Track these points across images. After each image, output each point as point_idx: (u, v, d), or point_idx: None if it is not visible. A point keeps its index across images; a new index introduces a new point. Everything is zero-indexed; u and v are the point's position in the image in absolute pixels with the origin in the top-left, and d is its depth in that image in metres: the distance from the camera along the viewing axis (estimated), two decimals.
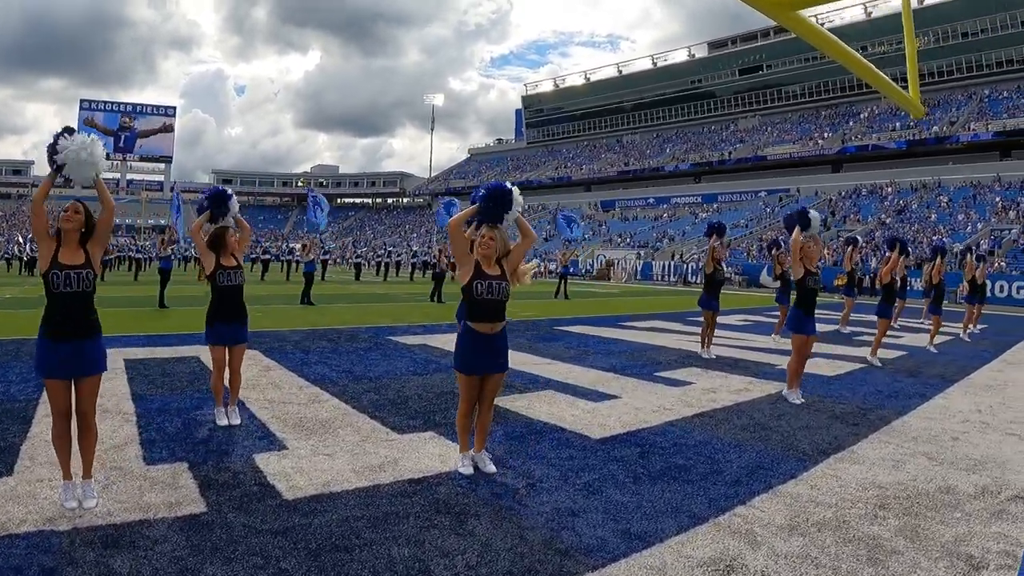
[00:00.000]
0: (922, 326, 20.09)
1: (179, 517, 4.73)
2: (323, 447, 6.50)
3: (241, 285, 7.45)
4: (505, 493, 5.48)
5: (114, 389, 8.55)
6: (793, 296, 9.84)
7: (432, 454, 6.40)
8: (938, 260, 17.24)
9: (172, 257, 23.90)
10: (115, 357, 10.19)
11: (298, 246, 28.97)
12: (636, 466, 6.32)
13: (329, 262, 56.57)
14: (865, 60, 7.94)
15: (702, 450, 6.92)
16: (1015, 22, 65.42)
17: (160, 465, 5.84)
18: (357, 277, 45.43)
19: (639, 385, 10.23)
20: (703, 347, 13.50)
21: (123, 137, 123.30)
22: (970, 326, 19.57)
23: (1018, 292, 37.55)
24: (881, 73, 8.59)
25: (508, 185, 6.05)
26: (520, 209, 6.11)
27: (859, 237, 21.77)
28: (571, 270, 31.14)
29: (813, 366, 12.27)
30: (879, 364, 13.05)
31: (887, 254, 14.29)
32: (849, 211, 62.06)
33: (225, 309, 7.30)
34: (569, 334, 16.65)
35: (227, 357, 7.39)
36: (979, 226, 49.97)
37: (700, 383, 10.53)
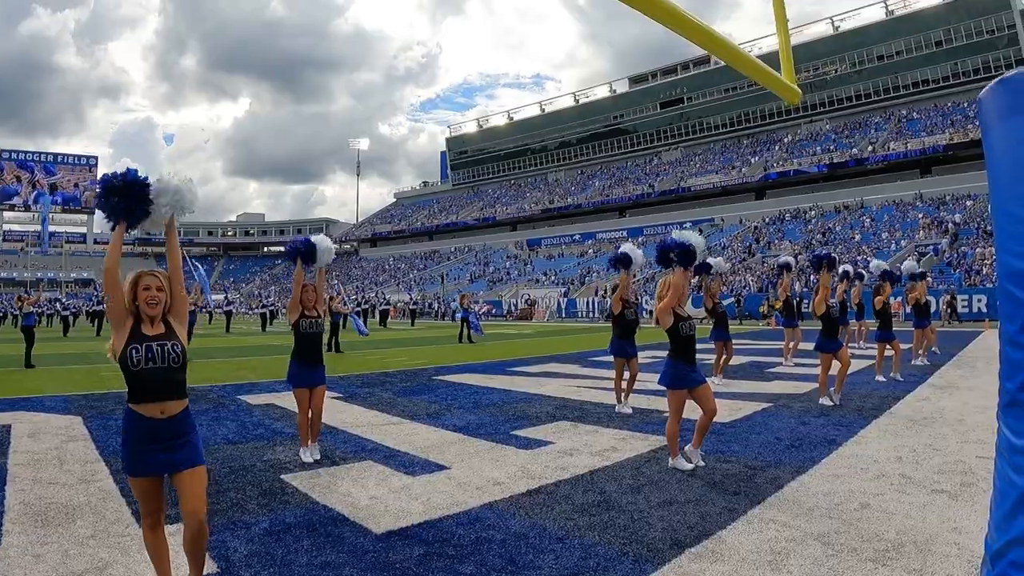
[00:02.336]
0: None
1: None
2: (40, 544, 5.09)
3: None
4: None
5: None
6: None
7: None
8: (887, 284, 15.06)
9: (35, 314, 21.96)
10: None
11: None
12: None
13: (234, 312, 53.71)
14: (729, 41, 6.38)
15: (509, 548, 5.00)
16: (929, 43, 66.68)
17: None
18: (227, 328, 43.10)
19: (484, 449, 8.30)
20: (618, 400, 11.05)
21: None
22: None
23: (945, 307, 36.57)
24: (751, 56, 6.92)
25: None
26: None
27: (791, 260, 19.13)
28: (471, 313, 28.86)
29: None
30: (830, 403, 11.00)
31: (815, 278, 12.07)
32: (773, 237, 61.44)
33: None
34: (445, 384, 14.70)
35: None
36: (903, 243, 49.40)
37: (561, 443, 8.56)
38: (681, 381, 7.07)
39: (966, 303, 37.31)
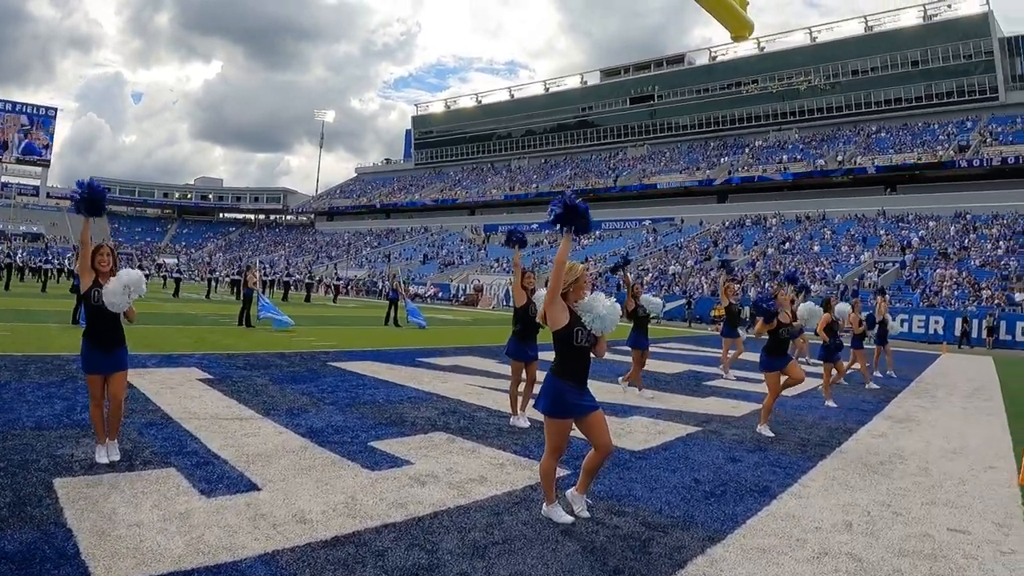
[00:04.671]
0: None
1: None
2: None
3: None
4: None
5: None
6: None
7: None
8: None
9: None
10: None
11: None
12: None
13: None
14: None
15: None
16: (905, 62, 66.22)
17: None
18: (176, 293, 40.87)
19: (322, 465, 6.54)
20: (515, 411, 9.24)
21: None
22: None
23: (902, 325, 35.51)
24: None
25: None
26: None
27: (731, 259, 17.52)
28: (399, 295, 26.93)
29: (620, 435, 8.54)
30: (770, 435, 9.20)
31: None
32: (732, 241, 60.40)
33: None
34: (336, 372, 12.87)
35: None
36: (862, 258, 48.85)
37: (422, 464, 6.77)
38: (564, 408, 5.20)
39: (923, 324, 36.21)
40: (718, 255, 55.87)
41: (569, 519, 5.27)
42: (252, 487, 5.72)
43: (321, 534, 4.76)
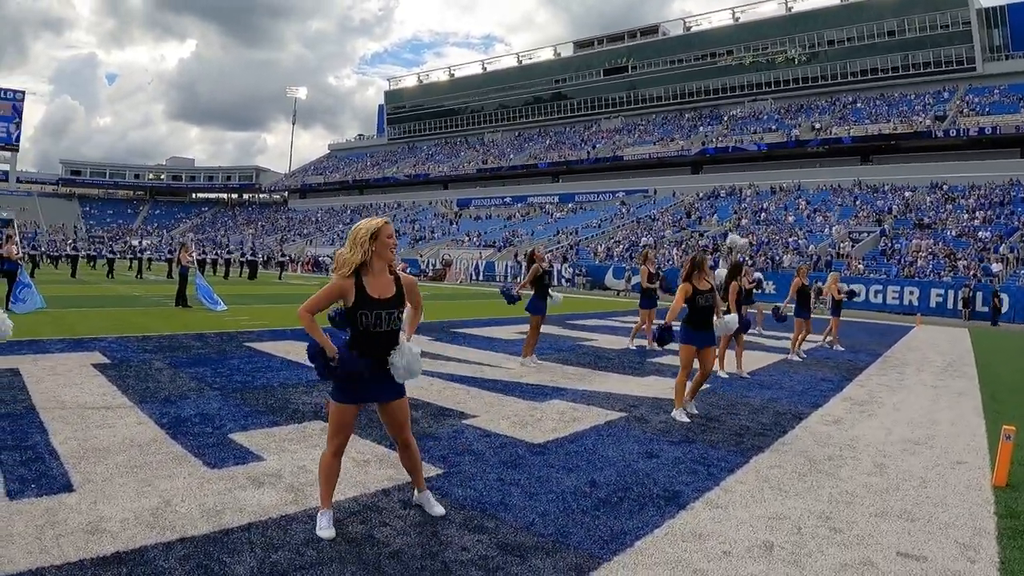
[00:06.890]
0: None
1: None
2: None
3: None
4: None
5: None
6: None
7: None
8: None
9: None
10: None
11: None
12: None
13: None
14: None
15: None
16: (881, 32, 65.49)
17: None
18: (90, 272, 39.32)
19: (161, 462, 5.67)
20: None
21: None
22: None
23: (875, 296, 34.66)
24: None
25: None
26: None
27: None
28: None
29: (526, 424, 7.49)
30: (686, 419, 8.08)
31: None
32: (706, 212, 59.48)
33: None
34: (248, 353, 11.91)
35: None
36: (835, 228, 47.74)
37: (274, 460, 5.88)
38: (351, 392, 4.52)
39: (897, 295, 35.24)
40: (691, 227, 55.00)
41: (330, 533, 4.30)
42: (66, 488, 4.94)
43: (105, 548, 3.95)
